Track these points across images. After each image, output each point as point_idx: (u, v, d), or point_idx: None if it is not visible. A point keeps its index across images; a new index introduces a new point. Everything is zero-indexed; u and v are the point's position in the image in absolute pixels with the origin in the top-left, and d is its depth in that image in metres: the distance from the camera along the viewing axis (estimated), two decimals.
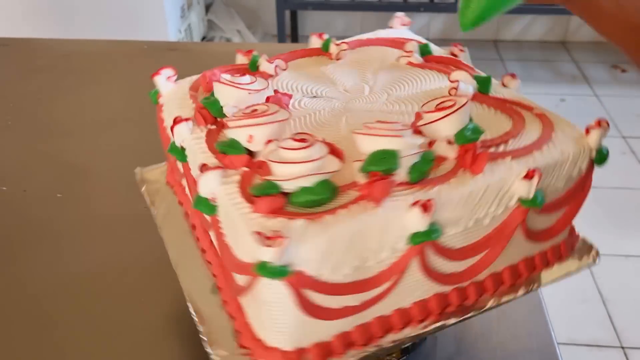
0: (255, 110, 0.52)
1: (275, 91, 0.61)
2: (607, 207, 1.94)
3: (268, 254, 0.41)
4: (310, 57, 0.70)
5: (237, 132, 0.51)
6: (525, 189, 0.49)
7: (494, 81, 0.61)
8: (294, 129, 0.55)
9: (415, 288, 0.50)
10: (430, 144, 0.50)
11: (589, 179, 0.55)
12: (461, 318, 0.52)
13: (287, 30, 2.80)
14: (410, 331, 0.51)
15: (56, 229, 0.78)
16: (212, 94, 0.58)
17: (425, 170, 0.48)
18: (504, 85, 0.63)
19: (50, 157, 0.92)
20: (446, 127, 0.50)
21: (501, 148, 0.51)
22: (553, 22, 3.04)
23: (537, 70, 2.86)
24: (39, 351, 0.62)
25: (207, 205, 0.49)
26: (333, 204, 0.46)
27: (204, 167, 0.49)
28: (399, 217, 0.45)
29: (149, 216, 0.63)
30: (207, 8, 2.90)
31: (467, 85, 0.58)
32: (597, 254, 0.59)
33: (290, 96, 0.61)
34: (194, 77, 0.64)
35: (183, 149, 0.56)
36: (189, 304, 0.53)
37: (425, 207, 0.45)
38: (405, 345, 0.58)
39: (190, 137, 0.55)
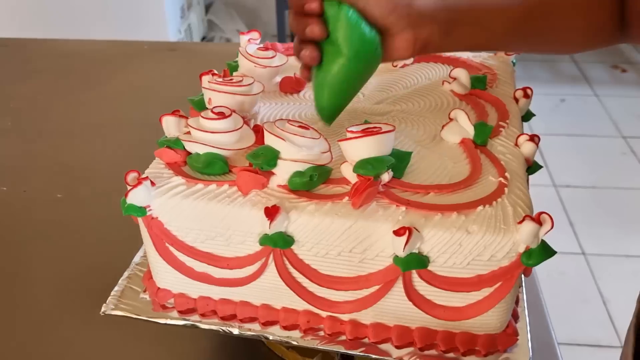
0: (231, 79, 0.58)
1: (287, 77, 0.65)
2: (607, 207, 1.94)
3: (128, 192, 0.48)
4: None
5: (205, 92, 0.58)
6: (397, 245, 0.45)
7: (511, 133, 0.56)
8: (289, 115, 0.60)
9: (282, 293, 0.51)
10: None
11: (512, 274, 0.46)
12: (329, 346, 0.50)
13: (287, 31, 2.80)
14: (273, 329, 0.52)
15: (56, 230, 0.78)
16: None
17: (301, 181, 0.48)
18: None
19: (50, 158, 0.92)
20: (356, 151, 0.48)
21: (413, 197, 0.48)
22: None
23: (537, 70, 2.86)
24: (39, 351, 0.62)
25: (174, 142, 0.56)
26: (219, 178, 0.51)
27: (175, 112, 0.56)
28: (251, 213, 0.48)
29: None
30: (207, 8, 2.89)
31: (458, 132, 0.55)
32: None
33: (303, 83, 0.65)
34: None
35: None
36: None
37: (270, 213, 0.46)
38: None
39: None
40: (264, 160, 0.48)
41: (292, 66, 0.65)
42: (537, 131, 0.61)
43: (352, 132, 0.49)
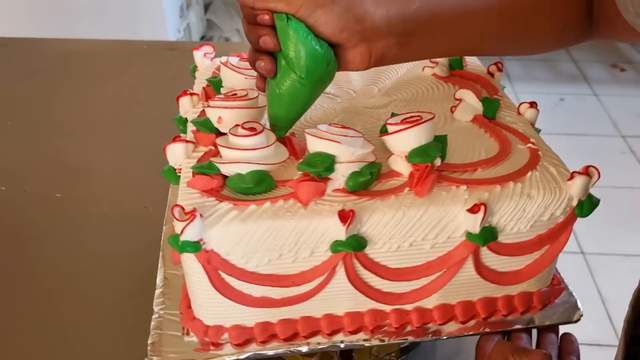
0: (235, 94, 0.54)
1: None
2: (606, 206, 1.93)
3: (179, 228, 0.43)
4: None
5: (211, 112, 0.53)
6: (471, 223, 0.47)
7: (507, 103, 0.60)
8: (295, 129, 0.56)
9: (347, 298, 0.50)
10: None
11: (566, 228, 0.50)
12: (397, 340, 0.51)
13: None
14: (339, 337, 0.50)
15: (55, 229, 0.78)
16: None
17: (362, 181, 0.47)
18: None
19: (49, 157, 0.92)
20: (404, 142, 0.49)
21: (463, 175, 0.49)
22: None
23: (536, 69, 2.86)
24: (39, 349, 0.62)
25: (172, 174, 0.54)
26: (264, 195, 0.47)
27: (176, 138, 0.52)
28: (321, 222, 0.46)
29: (148, 216, 0.64)
30: (206, 7, 2.89)
31: (467, 109, 0.57)
32: (580, 315, 0.54)
33: None
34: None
35: (186, 120, 0.60)
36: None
37: (345, 217, 0.45)
38: (404, 345, 0.58)
39: (191, 111, 0.59)
40: (323, 167, 0.47)
41: None
42: None
43: (394, 124, 0.49)
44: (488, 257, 0.50)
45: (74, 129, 1.00)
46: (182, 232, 0.43)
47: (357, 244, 0.46)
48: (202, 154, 0.53)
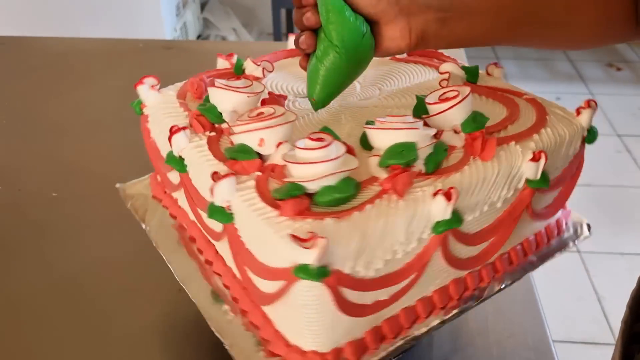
0: (262, 113, 0.51)
1: (270, 93, 0.60)
2: (602, 205, 1.95)
3: (308, 256, 0.41)
4: (293, 57, 0.70)
5: (247, 137, 0.50)
6: (532, 171, 0.52)
7: (480, 72, 0.64)
8: (295, 130, 0.54)
9: (437, 276, 0.52)
10: (437, 135, 0.51)
11: (581, 157, 0.58)
12: (478, 302, 0.54)
13: (283, 29, 2.80)
14: (433, 319, 0.52)
15: (51, 228, 0.78)
16: (207, 100, 0.57)
17: (440, 161, 0.49)
18: (488, 74, 0.65)
19: (45, 156, 0.92)
20: (453, 117, 0.52)
21: (502, 134, 0.54)
22: None
23: (532, 68, 2.87)
24: (33, 349, 0.62)
25: (222, 214, 0.48)
26: (356, 200, 0.46)
27: (215, 176, 0.47)
28: (423, 207, 0.46)
29: None
30: (203, 6, 2.89)
31: (457, 76, 0.62)
32: (589, 227, 0.63)
33: (285, 97, 0.61)
34: (178, 85, 0.63)
35: (182, 158, 0.54)
36: (208, 320, 0.52)
37: (448, 195, 0.46)
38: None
39: (189, 146, 0.53)
40: (411, 156, 0.48)
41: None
42: None
43: (435, 103, 0.53)
44: (539, 199, 0.56)
45: (70, 128, 0.99)
46: (316, 259, 0.41)
47: (458, 219, 0.48)
48: (204, 142, 0.53)
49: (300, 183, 0.45)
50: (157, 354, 0.61)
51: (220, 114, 0.54)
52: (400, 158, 0.47)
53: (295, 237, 0.41)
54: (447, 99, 0.52)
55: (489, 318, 0.64)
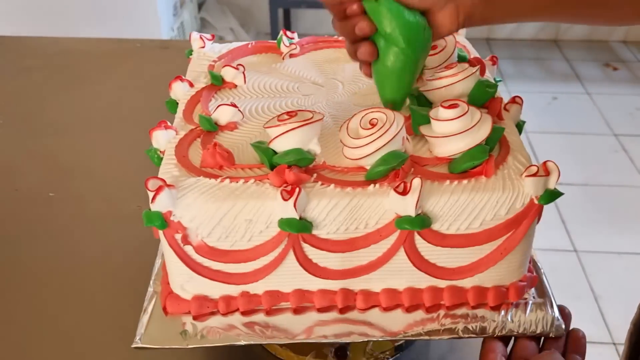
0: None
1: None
2: (599, 204, 1.95)
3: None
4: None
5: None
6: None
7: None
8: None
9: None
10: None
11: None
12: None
13: (279, 28, 2.80)
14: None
15: (48, 228, 0.78)
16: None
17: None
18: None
19: (42, 156, 0.92)
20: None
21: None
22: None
23: (529, 68, 2.87)
24: (32, 348, 0.62)
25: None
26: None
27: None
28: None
29: (141, 215, 0.63)
30: (200, 6, 2.88)
31: None
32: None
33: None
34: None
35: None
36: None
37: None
38: (399, 343, 0.58)
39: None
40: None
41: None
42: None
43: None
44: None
45: (66, 128, 0.99)
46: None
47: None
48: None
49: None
50: (157, 354, 0.61)
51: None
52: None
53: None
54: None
55: None
